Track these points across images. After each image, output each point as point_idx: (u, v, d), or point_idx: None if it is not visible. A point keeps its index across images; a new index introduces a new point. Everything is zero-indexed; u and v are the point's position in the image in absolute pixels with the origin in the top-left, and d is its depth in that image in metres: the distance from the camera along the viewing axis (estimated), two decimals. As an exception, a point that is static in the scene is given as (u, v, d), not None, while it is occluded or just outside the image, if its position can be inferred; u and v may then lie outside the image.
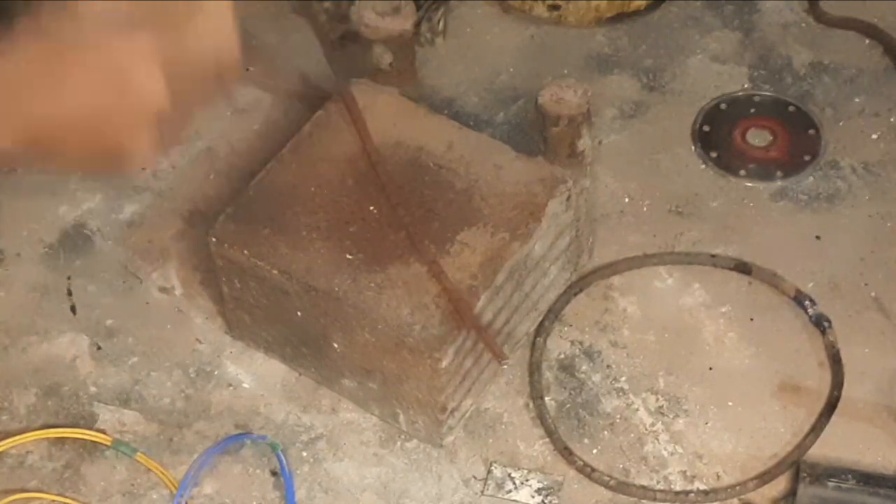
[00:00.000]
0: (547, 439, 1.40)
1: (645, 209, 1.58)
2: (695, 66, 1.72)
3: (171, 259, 1.55)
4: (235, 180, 1.58)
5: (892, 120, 1.65)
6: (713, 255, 1.53)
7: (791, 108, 1.67)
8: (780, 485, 1.37)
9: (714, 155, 1.63)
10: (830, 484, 1.32)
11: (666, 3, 1.77)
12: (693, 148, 1.64)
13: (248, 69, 1.71)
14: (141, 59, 1.03)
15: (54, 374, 1.46)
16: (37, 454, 1.40)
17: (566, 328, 1.48)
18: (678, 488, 1.37)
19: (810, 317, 1.47)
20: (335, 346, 1.38)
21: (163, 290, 1.53)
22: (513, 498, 1.37)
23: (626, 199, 1.59)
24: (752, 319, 1.49)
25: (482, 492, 1.37)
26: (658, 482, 1.38)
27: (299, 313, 1.37)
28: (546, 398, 1.43)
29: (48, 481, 1.38)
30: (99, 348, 1.48)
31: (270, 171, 1.43)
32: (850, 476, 1.33)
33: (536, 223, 1.38)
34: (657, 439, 1.40)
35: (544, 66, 1.71)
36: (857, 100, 1.67)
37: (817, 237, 1.55)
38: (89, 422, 1.43)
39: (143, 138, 1.05)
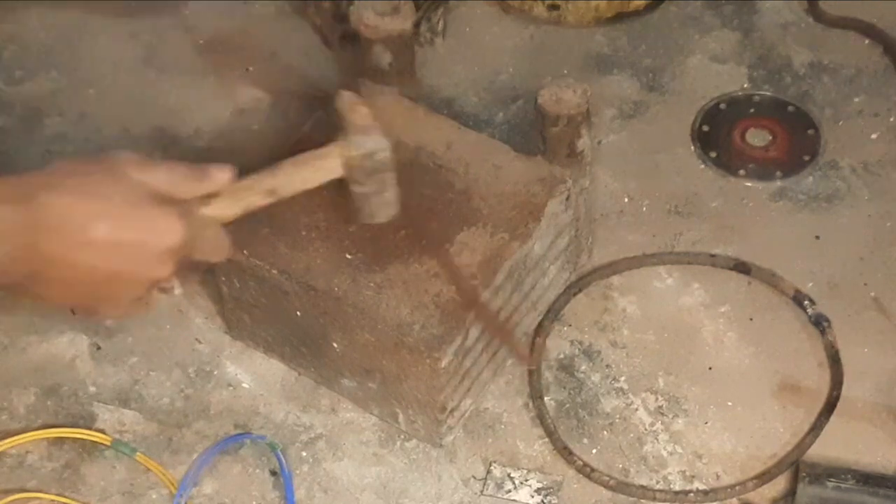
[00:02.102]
0: (546, 439, 1.40)
1: (644, 209, 1.58)
2: (694, 65, 1.72)
3: (171, 259, 1.55)
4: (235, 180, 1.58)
5: (891, 120, 1.65)
6: (712, 255, 1.53)
7: (790, 108, 1.67)
8: (779, 485, 1.37)
9: (713, 155, 1.63)
10: (830, 484, 1.32)
11: (665, 3, 1.77)
12: (692, 148, 1.64)
13: (247, 69, 1.72)
14: (164, 237, 1.13)
15: (54, 374, 1.46)
16: (36, 454, 1.40)
17: (565, 328, 1.48)
18: (678, 488, 1.37)
19: (810, 317, 1.47)
20: (335, 345, 1.38)
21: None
22: (512, 498, 1.37)
23: (626, 199, 1.59)
24: (751, 319, 1.49)
25: (482, 491, 1.37)
26: (657, 482, 1.38)
27: (299, 313, 1.37)
28: (545, 398, 1.43)
29: (48, 481, 1.38)
30: (98, 348, 1.48)
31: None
32: (849, 476, 1.33)
33: (536, 223, 1.38)
34: (657, 439, 1.40)
35: (544, 66, 1.71)
36: (856, 100, 1.67)
37: (817, 237, 1.55)
38: (89, 422, 1.43)
39: (138, 299, 1.17)
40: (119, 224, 1.11)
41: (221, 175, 1.19)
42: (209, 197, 1.19)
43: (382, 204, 1.29)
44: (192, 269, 1.21)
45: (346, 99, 1.26)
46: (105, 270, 1.11)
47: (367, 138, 1.25)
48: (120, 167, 1.13)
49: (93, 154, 1.17)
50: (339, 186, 1.39)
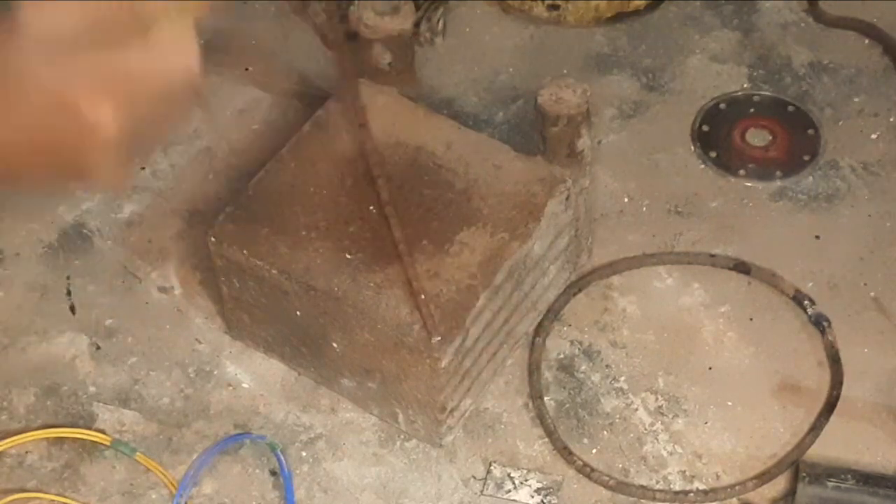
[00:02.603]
0: (546, 439, 1.40)
1: (644, 209, 1.58)
2: (694, 65, 1.72)
3: (171, 259, 1.55)
4: (235, 180, 1.58)
5: (891, 120, 1.65)
6: (712, 255, 1.53)
7: (790, 108, 1.67)
8: (779, 485, 1.37)
9: (713, 155, 1.63)
10: (830, 484, 1.32)
11: (665, 3, 1.77)
12: (692, 148, 1.64)
13: (247, 69, 1.72)
14: (86, 88, 0.97)
15: (53, 374, 1.46)
16: (36, 454, 1.40)
17: (565, 328, 1.48)
18: (677, 488, 1.37)
19: (809, 316, 1.47)
20: (334, 345, 1.38)
21: (162, 289, 1.53)
22: (512, 498, 1.37)
23: (626, 199, 1.59)
24: (751, 319, 1.49)
25: (481, 491, 1.37)
26: (657, 482, 1.38)
27: (298, 313, 1.37)
28: (545, 398, 1.43)
29: (47, 481, 1.38)
30: (98, 348, 1.48)
31: (270, 170, 1.43)
32: (849, 476, 1.33)
33: (536, 223, 1.38)
34: (656, 439, 1.40)
35: (544, 66, 1.71)
36: (856, 99, 1.67)
37: (816, 237, 1.55)
38: (88, 421, 1.43)
39: (102, 161, 1.00)
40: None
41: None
42: None
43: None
44: (161, 108, 1.03)
45: None
46: (48, 105, 0.97)
47: None
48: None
49: None
50: (339, 187, 1.40)
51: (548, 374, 1.45)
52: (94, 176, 1.00)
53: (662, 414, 1.42)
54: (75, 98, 0.97)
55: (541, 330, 1.47)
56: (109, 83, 0.98)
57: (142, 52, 0.99)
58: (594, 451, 1.40)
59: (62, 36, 0.98)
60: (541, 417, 1.41)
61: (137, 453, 1.39)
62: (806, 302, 1.48)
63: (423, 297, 1.31)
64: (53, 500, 1.36)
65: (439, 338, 1.30)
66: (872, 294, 1.50)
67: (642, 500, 1.36)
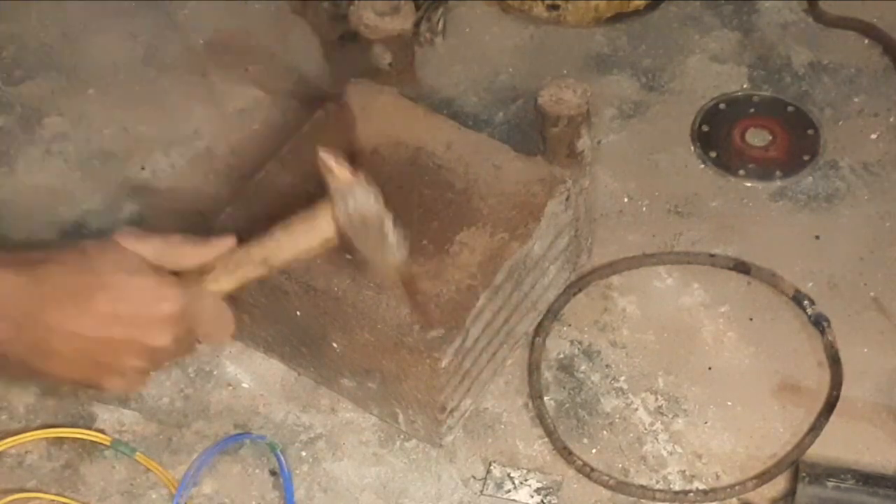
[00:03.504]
0: (546, 439, 1.40)
1: (644, 209, 1.58)
2: (694, 65, 1.72)
3: (171, 259, 1.55)
4: (235, 180, 1.58)
5: (891, 120, 1.65)
6: (712, 255, 1.53)
7: (790, 108, 1.67)
8: (779, 484, 1.37)
9: (713, 155, 1.63)
10: (829, 484, 1.32)
11: (665, 3, 1.77)
12: (692, 148, 1.64)
13: (247, 69, 1.72)
14: (162, 310, 1.17)
15: (53, 374, 1.46)
16: (36, 454, 1.40)
17: (565, 328, 1.48)
18: (677, 488, 1.37)
19: (809, 316, 1.47)
20: (334, 345, 1.38)
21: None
22: (512, 498, 1.37)
23: (626, 199, 1.59)
24: (751, 319, 1.49)
25: (481, 491, 1.37)
26: (657, 482, 1.38)
27: (298, 313, 1.37)
28: (545, 398, 1.43)
29: (47, 481, 1.38)
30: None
31: (270, 170, 1.43)
32: (849, 476, 1.33)
33: (536, 223, 1.38)
34: (656, 439, 1.40)
35: (543, 66, 1.71)
36: (856, 100, 1.67)
37: (816, 237, 1.55)
38: (88, 421, 1.42)
39: (133, 377, 1.20)
40: (116, 294, 1.15)
41: (220, 243, 1.23)
42: (204, 271, 1.22)
43: (386, 254, 1.27)
44: (196, 344, 1.26)
45: (323, 158, 1.24)
46: (104, 339, 1.15)
47: (351, 199, 1.23)
48: (116, 243, 1.18)
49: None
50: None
51: (548, 374, 1.45)
52: (116, 383, 1.20)
53: (662, 414, 1.42)
54: (150, 316, 1.18)
55: (541, 330, 1.47)
56: (175, 316, 1.20)
57: (200, 301, 1.21)
58: (594, 450, 1.40)
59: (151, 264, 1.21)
60: (541, 417, 1.41)
61: (137, 453, 1.39)
62: (806, 302, 1.48)
63: (418, 295, 1.32)
64: (53, 500, 1.36)
65: (442, 331, 1.30)
66: (872, 294, 1.50)
67: (642, 500, 1.36)
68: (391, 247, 1.26)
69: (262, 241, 1.24)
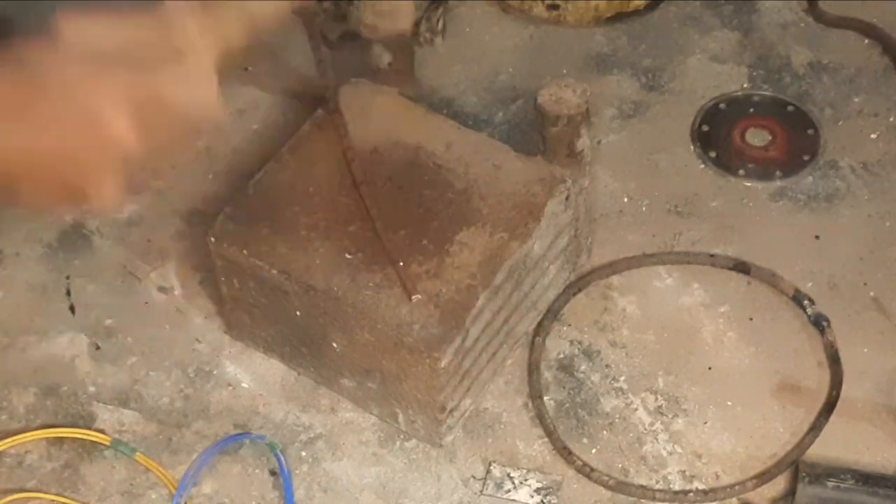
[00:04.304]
0: (546, 439, 1.40)
1: (644, 209, 1.58)
2: (694, 65, 1.72)
3: (171, 259, 1.55)
4: (234, 180, 1.58)
5: (891, 119, 1.65)
6: (712, 255, 1.53)
7: (790, 108, 1.67)
8: (779, 484, 1.37)
9: (713, 155, 1.63)
10: (829, 484, 1.32)
11: (665, 3, 1.77)
12: (692, 148, 1.64)
13: (247, 69, 1.72)
14: (111, 103, 1.01)
15: (53, 374, 1.46)
16: (36, 454, 1.40)
17: (565, 328, 1.48)
18: (677, 488, 1.37)
19: (809, 316, 1.47)
20: (334, 345, 1.38)
21: (162, 289, 1.53)
22: (512, 497, 1.37)
23: (626, 199, 1.59)
24: (751, 319, 1.49)
25: (481, 491, 1.37)
26: (657, 482, 1.38)
27: (298, 313, 1.37)
28: (545, 398, 1.43)
29: (47, 481, 1.38)
30: (98, 348, 1.48)
31: (269, 170, 1.43)
32: (849, 476, 1.33)
33: (535, 223, 1.38)
34: (656, 439, 1.40)
35: (543, 66, 1.71)
36: (856, 99, 1.67)
37: (816, 237, 1.55)
38: (88, 421, 1.43)
39: (108, 181, 1.04)
40: (60, 97, 1.01)
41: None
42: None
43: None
44: (174, 137, 1.07)
45: None
46: (64, 149, 1.02)
47: None
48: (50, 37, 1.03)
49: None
50: (339, 186, 1.40)
51: (547, 374, 1.45)
52: (94, 193, 1.04)
53: (662, 414, 1.42)
54: (100, 110, 1.00)
55: (540, 330, 1.47)
56: (134, 103, 1.01)
57: (168, 79, 1.03)
58: (594, 450, 1.40)
59: (97, 52, 1.02)
60: (540, 417, 1.41)
61: (137, 453, 1.39)
62: (806, 302, 1.48)
63: (400, 263, 1.32)
64: (53, 500, 1.37)
65: (419, 296, 1.30)
66: (872, 294, 1.50)
67: (642, 500, 1.36)
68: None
69: None
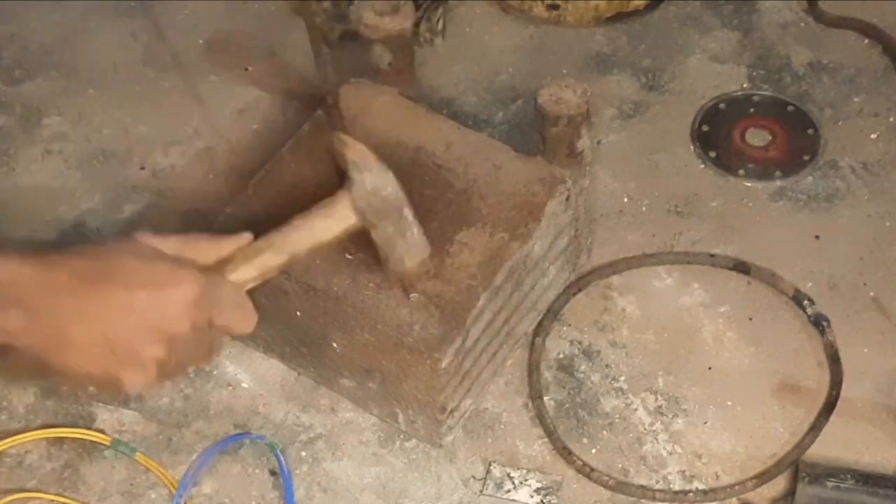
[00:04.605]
0: (546, 439, 1.40)
1: (644, 209, 1.58)
2: (694, 65, 1.72)
3: (171, 259, 1.55)
4: (235, 180, 1.58)
5: (891, 119, 1.65)
6: (712, 255, 1.53)
7: (790, 108, 1.67)
8: (779, 484, 1.37)
9: (713, 155, 1.63)
10: (829, 484, 1.32)
11: (665, 3, 1.77)
12: (692, 148, 1.64)
13: (247, 69, 1.72)
14: (169, 305, 1.12)
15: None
16: (36, 454, 1.40)
17: (565, 328, 1.48)
18: (677, 488, 1.37)
19: (809, 316, 1.47)
20: (334, 345, 1.38)
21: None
22: (512, 497, 1.37)
23: (626, 199, 1.59)
24: (751, 319, 1.49)
25: (481, 491, 1.37)
26: (657, 482, 1.38)
27: (298, 313, 1.37)
28: (545, 398, 1.43)
29: (47, 481, 1.38)
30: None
31: (269, 170, 1.43)
32: (848, 476, 1.33)
33: (535, 223, 1.38)
34: (656, 439, 1.40)
35: (543, 66, 1.71)
36: (856, 99, 1.67)
37: (816, 237, 1.55)
38: (88, 421, 1.43)
39: (143, 378, 1.13)
40: (133, 278, 1.11)
41: (236, 239, 1.21)
42: (224, 263, 1.19)
43: (410, 245, 1.27)
44: (220, 337, 1.20)
45: (339, 140, 1.23)
46: (122, 326, 1.11)
47: (368, 174, 1.23)
48: (133, 238, 1.16)
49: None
50: (338, 186, 1.40)
51: (547, 374, 1.45)
52: (125, 384, 1.14)
53: (662, 414, 1.42)
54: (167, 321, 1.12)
55: (540, 330, 1.47)
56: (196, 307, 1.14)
57: (221, 301, 1.17)
58: (594, 450, 1.40)
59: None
60: (540, 417, 1.41)
61: (137, 453, 1.39)
62: (805, 302, 1.48)
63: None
64: (53, 500, 1.36)
65: (416, 294, 1.31)
66: (872, 294, 1.50)
67: (642, 500, 1.36)
68: (414, 241, 1.26)
69: (281, 229, 1.22)
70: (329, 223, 1.24)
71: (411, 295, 1.32)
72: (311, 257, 1.26)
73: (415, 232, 1.26)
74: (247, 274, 1.20)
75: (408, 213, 1.25)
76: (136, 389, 1.13)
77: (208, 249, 1.19)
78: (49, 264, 1.10)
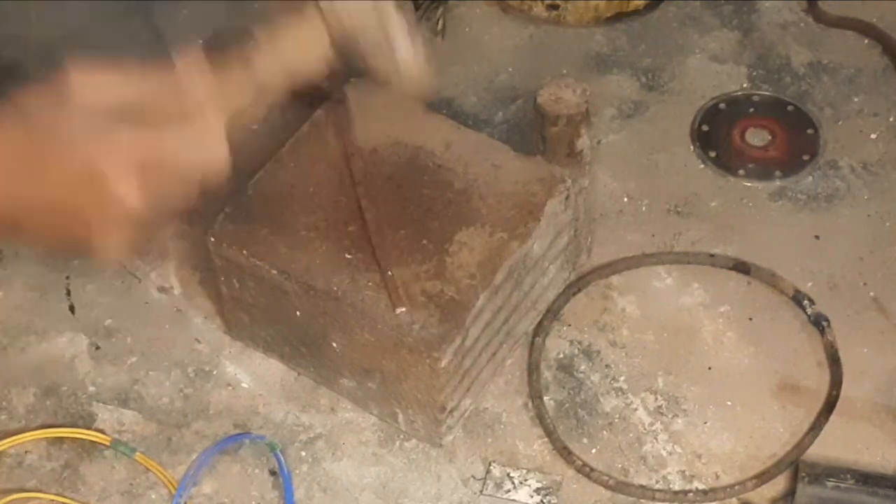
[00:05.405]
0: (546, 439, 1.40)
1: (644, 209, 1.58)
2: (694, 65, 1.72)
3: (170, 259, 1.55)
4: (235, 180, 1.58)
5: (890, 119, 1.65)
6: (712, 255, 1.53)
7: (790, 108, 1.67)
8: (778, 484, 1.37)
9: (713, 154, 1.63)
10: (829, 483, 1.32)
11: (665, 3, 1.77)
12: (692, 147, 1.64)
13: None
14: (117, 162, 1.01)
15: (53, 374, 1.46)
16: (35, 454, 1.40)
17: (565, 328, 1.48)
18: (677, 488, 1.37)
19: (809, 316, 1.47)
20: (334, 345, 1.38)
21: (161, 289, 1.53)
22: (511, 497, 1.37)
23: (625, 199, 1.59)
24: (750, 319, 1.49)
25: (481, 491, 1.37)
26: (657, 482, 1.38)
27: (298, 313, 1.37)
28: (545, 398, 1.43)
29: (47, 481, 1.38)
30: (97, 348, 1.48)
31: (269, 170, 1.43)
32: (848, 476, 1.33)
33: (535, 223, 1.38)
34: (656, 439, 1.40)
35: (543, 66, 1.71)
36: (855, 99, 1.67)
37: (816, 237, 1.55)
38: (88, 421, 1.43)
39: (113, 237, 1.04)
40: (69, 155, 1.01)
41: (190, 66, 1.06)
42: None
43: (398, 59, 1.08)
44: (182, 195, 1.07)
45: None
46: (71, 204, 1.02)
47: None
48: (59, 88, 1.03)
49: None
50: (338, 186, 1.40)
51: (547, 374, 1.45)
52: (98, 246, 1.04)
53: (662, 414, 1.42)
54: (105, 168, 1.00)
55: (540, 330, 1.47)
56: (140, 162, 1.01)
57: (176, 139, 1.03)
58: (594, 450, 1.40)
59: (105, 107, 1.01)
60: (540, 417, 1.41)
61: (137, 453, 1.39)
62: (805, 302, 1.48)
63: (389, 273, 1.32)
64: (53, 500, 1.36)
65: (403, 308, 1.30)
66: (872, 294, 1.50)
67: (642, 500, 1.36)
68: (402, 46, 1.07)
69: (246, 58, 1.06)
70: (300, 45, 1.07)
71: (398, 309, 1.31)
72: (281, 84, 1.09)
73: (404, 41, 1.07)
74: (216, 117, 1.05)
75: (394, 18, 1.06)
76: (112, 255, 1.04)
77: (157, 92, 1.05)
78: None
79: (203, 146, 1.05)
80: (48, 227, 1.04)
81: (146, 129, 1.02)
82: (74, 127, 1.01)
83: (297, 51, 1.08)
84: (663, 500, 1.36)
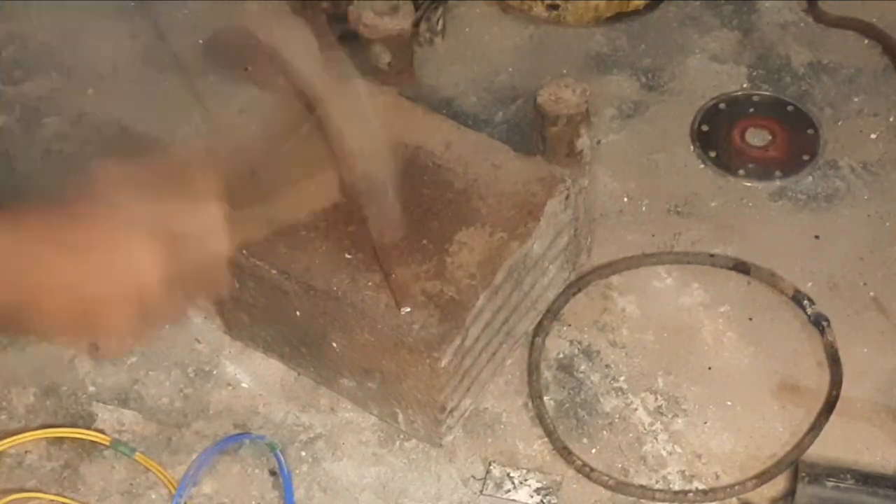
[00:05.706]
0: (546, 439, 1.40)
1: (644, 209, 1.58)
2: (693, 65, 1.72)
3: (170, 259, 1.55)
4: (234, 180, 1.58)
5: (890, 119, 1.65)
6: (712, 255, 1.53)
7: (790, 108, 1.67)
8: (778, 484, 1.37)
9: (713, 154, 1.63)
10: (829, 483, 1.32)
11: (665, 3, 1.77)
12: (692, 147, 1.64)
13: (247, 69, 1.72)
14: (141, 260, 1.09)
15: (53, 374, 1.46)
16: (35, 454, 1.40)
17: (565, 328, 1.48)
18: (677, 488, 1.37)
19: (809, 316, 1.47)
20: (334, 345, 1.38)
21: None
22: (511, 497, 1.37)
23: (625, 199, 1.59)
24: (750, 319, 1.49)
25: (481, 491, 1.37)
26: (657, 482, 1.38)
27: (298, 313, 1.37)
28: (545, 398, 1.43)
29: (47, 481, 1.38)
30: (97, 348, 1.48)
31: (269, 170, 1.43)
32: (848, 476, 1.33)
33: (535, 222, 1.38)
34: (656, 439, 1.40)
35: (543, 66, 1.71)
36: (855, 99, 1.67)
37: (816, 237, 1.55)
38: (88, 421, 1.43)
39: (122, 327, 1.10)
40: (105, 251, 1.10)
41: (214, 211, 1.16)
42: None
43: (385, 225, 1.27)
44: (194, 298, 1.18)
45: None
46: (93, 294, 1.09)
47: (368, 157, 1.21)
48: (105, 205, 1.13)
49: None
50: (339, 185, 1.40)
51: (547, 374, 1.45)
52: (108, 335, 1.12)
53: (662, 414, 1.42)
54: (131, 261, 1.09)
55: (540, 330, 1.47)
56: (157, 260, 1.10)
57: (183, 240, 1.12)
58: (593, 450, 1.40)
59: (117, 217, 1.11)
60: (540, 417, 1.41)
61: (137, 453, 1.39)
62: (805, 302, 1.48)
63: (392, 276, 1.32)
64: (53, 500, 1.36)
65: (409, 308, 1.30)
66: (872, 294, 1.50)
67: (642, 500, 1.36)
68: (390, 222, 1.24)
69: (269, 201, 1.19)
70: (314, 197, 1.22)
71: (402, 309, 1.31)
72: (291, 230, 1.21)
73: (392, 213, 1.25)
74: (227, 244, 1.15)
75: (390, 196, 1.24)
76: (113, 353, 1.15)
77: (185, 222, 1.14)
78: (14, 230, 1.08)
79: (219, 271, 1.15)
80: (60, 316, 1.10)
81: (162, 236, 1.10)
82: (100, 228, 1.11)
83: (314, 202, 1.25)
84: (663, 500, 1.36)
